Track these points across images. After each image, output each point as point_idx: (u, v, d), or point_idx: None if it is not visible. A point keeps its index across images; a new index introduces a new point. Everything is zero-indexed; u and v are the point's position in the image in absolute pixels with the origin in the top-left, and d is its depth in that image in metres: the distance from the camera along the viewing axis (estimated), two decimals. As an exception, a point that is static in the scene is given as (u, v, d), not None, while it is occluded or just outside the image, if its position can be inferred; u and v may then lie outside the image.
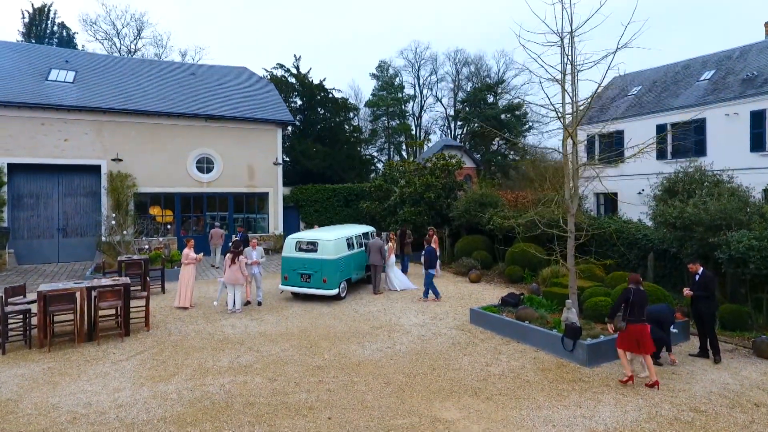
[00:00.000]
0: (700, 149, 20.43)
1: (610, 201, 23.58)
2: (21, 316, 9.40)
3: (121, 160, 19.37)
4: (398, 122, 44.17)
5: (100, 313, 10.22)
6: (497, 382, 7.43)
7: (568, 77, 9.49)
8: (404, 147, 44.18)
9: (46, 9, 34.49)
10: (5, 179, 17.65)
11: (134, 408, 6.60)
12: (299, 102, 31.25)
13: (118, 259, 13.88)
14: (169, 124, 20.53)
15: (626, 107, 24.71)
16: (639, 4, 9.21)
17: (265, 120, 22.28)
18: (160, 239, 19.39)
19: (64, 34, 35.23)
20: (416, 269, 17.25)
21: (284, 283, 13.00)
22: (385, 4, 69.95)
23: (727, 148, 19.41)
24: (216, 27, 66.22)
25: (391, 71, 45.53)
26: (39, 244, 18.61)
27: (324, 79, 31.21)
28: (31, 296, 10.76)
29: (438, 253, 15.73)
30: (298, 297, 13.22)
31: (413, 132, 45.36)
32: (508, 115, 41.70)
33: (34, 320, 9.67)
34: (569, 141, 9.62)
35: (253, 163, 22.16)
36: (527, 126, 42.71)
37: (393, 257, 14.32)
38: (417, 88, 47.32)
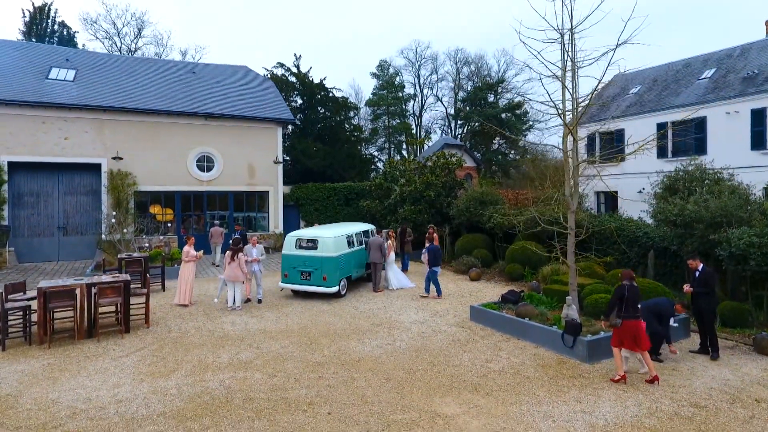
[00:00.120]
0: (701, 147, 20.40)
1: (610, 200, 23.57)
2: (21, 313, 9.40)
3: (121, 158, 19.37)
4: (399, 121, 44.17)
5: (100, 309, 10.22)
6: (497, 378, 7.42)
7: (569, 74, 9.48)
8: (405, 146, 44.18)
9: (46, 8, 34.48)
10: (6, 177, 17.65)
11: (134, 403, 6.60)
12: (299, 101, 31.24)
13: (119, 256, 13.89)
14: (169, 123, 20.53)
15: (627, 106, 24.69)
16: (639, 2, 9.20)
17: (266, 118, 22.28)
18: (161, 238, 19.39)
19: (65, 33, 35.22)
20: (416, 267, 17.25)
21: (284, 280, 13.00)
22: (385, 3, 70.00)
23: (727, 146, 19.39)
24: (216, 26, 66.31)
25: (391, 70, 45.55)
26: (39, 243, 18.61)
27: (324, 78, 31.22)
28: (32, 293, 10.76)
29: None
30: (298, 294, 13.21)
31: (413, 131, 45.35)
32: (509, 114, 41.69)
33: (34, 317, 9.67)
34: (569, 138, 9.62)
35: (254, 162, 22.16)
36: (528, 125, 42.69)
37: (393, 255, 14.31)
38: (417, 87, 47.37)
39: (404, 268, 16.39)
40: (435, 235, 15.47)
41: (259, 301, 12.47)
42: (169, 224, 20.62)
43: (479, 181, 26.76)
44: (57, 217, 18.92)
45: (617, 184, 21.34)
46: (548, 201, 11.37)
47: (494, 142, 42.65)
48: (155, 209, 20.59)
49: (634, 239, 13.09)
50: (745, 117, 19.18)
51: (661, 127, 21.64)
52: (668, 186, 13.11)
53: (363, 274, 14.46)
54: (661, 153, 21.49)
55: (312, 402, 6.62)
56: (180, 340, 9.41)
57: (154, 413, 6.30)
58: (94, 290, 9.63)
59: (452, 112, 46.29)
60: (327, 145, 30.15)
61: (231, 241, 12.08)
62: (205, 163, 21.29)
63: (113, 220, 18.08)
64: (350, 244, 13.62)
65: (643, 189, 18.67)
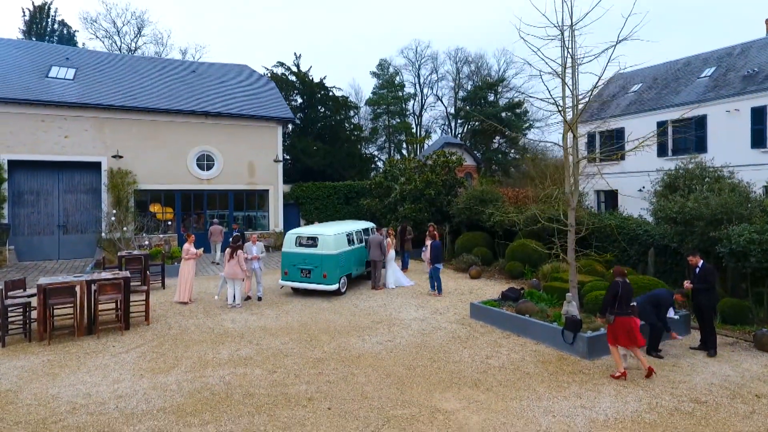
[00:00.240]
0: (701, 146, 20.40)
1: (610, 198, 23.57)
2: (21, 310, 9.39)
3: (121, 157, 19.36)
4: (399, 121, 44.15)
5: (100, 306, 10.22)
6: (497, 374, 7.41)
7: (569, 71, 9.47)
8: (405, 145, 44.16)
9: (46, 7, 34.49)
10: (6, 176, 17.65)
11: (134, 398, 6.59)
12: (299, 100, 31.23)
13: (119, 254, 13.88)
14: (169, 121, 20.53)
15: (627, 104, 24.69)
16: (639, 1, 9.18)
17: (266, 117, 22.27)
18: (161, 236, 19.39)
19: (65, 32, 35.23)
20: (416, 266, 17.24)
21: (284, 278, 12.99)
22: (385, 3, 69.99)
23: (727, 144, 19.39)
24: (216, 26, 66.29)
25: (391, 70, 45.54)
26: (39, 241, 18.61)
27: (324, 78, 31.21)
28: (32, 290, 10.75)
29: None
30: (298, 292, 13.21)
31: (414, 130, 45.35)
32: (509, 113, 41.69)
33: (34, 314, 9.66)
34: (569, 135, 9.61)
35: (254, 161, 22.15)
36: (528, 124, 42.69)
37: (392, 253, 14.30)
38: (417, 86, 47.36)
39: (404, 267, 16.39)
40: (435, 233, 15.47)
41: (260, 299, 12.46)
42: (170, 223, 20.61)
43: (479, 180, 26.76)
44: (57, 215, 18.92)
45: (617, 182, 21.33)
46: (548, 198, 11.35)
47: (494, 141, 42.66)
48: (155, 208, 20.59)
49: (634, 237, 13.08)
50: (745, 115, 19.18)
51: (661, 125, 21.63)
52: (668, 184, 13.10)
53: (363, 271, 14.46)
54: (662, 151, 21.49)
55: (312, 397, 6.62)
56: (180, 336, 9.40)
57: (153, 408, 6.30)
58: (93, 287, 9.63)
59: (452, 111, 46.30)
60: (327, 144, 30.15)
61: (231, 239, 12.09)
62: (205, 162, 21.28)
63: (113, 219, 18.08)
64: (350, 241, 13.61)
65: (644, 187, 18.66)
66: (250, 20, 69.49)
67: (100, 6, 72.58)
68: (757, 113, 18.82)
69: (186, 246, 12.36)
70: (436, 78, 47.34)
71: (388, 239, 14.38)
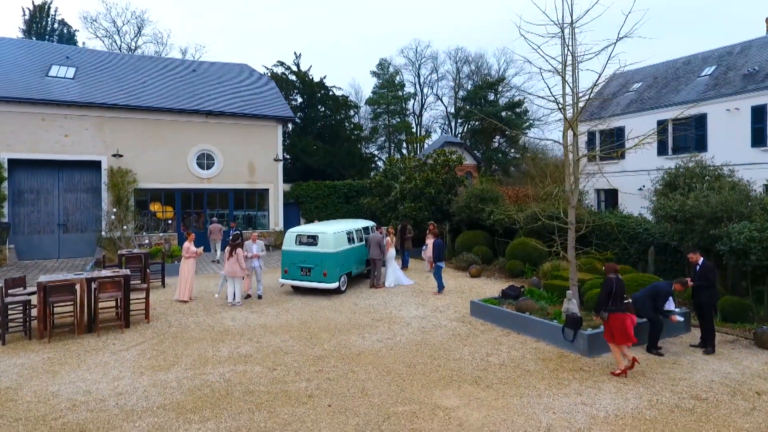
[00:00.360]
0: (701, 144, 20.38)
1: (610, 197, 23.55)
2: (21, 307, 9.39)
3: (121, 156, 19.36)
4: (399, 120, 44.12)
5: (100, 304, 10.21)
6: (497, 372, 7.41)
7: (569, 68, 9.46)
8: (405, 145, 44.15)
9: (46, 6, 34.49)
10: (6, 175, 17.65)
11: (134, 396, 6.59)
12: (300, 99, 31.24)
13: (119, 252, 13.89)
14: (169, 121, 20.53)
15: (627, 103, 24.68)
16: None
17: (266, 116, 22.26)
18: (161, 235, 19.38)
19: (65, 31, 35.22)
20: (416, 264, 17.24)
21: (284, 276, 12.99)
22: (385, 3, 69.96)
23: (727, 143, 19.37)
24: (216, 26, 66.26)
25: (391, 69, 45.49)
26: (39, 240, 18.61)
27: (324, 77, 31.22)
28: (32, 288, 10.75)
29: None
30: (298, 290, 13.20)
31: (414, 130, 45.33)
32: (509, 113, 41.66)
33: (34, 311, 9.66)
34: (570, 132, 9.60)
35: (254, 160, 22.15)
36: (528, 123, 42.67)
37: (392, 251, 14.30)
38: (417, 86, 47.33)
39: (404, 266, 16.38)
40: (435, 231, 15.48)
41: (260, 297, 12.46)
42: (170, 222, 20.61)
43: (479, 179, 26.75)
44: (57, 214, 18.92)
45: (618, 181, 21.31)
46: (549, 196, 11.34)
47: (494, 140, 42.63)
48: (155, 207, 20.59)
49: (634, 235, 13.08)
50: (745, 114, 19.16)
51: (661, 124, 21.61)
52: (668, 182, 13.09)
53: (363, 270, 14.46)
54: (662, 150, 21.47)
55: (312, 394, 6.61)
56: (180, 334, 9.40)
57: (153, 405, 6.30)
58: (94, 285, 9.62)
59: (452, 110, 46.28)
60: (327, 143, 30.16)
61: (230, 237, 12.09)
62: (205, 161, 21.28)
63: (113, 218, 18.07)
64: (350, 240, 13.60)
65: (644, 186, 18.65)
66: (250, 20, 69.50)
67: (100, 5, 72.56)
68: (757, 112, 18.81)
69: (186, 244, 12.36)
70: (436, 78, 47.38)
71: (388, 238, 14.38)
